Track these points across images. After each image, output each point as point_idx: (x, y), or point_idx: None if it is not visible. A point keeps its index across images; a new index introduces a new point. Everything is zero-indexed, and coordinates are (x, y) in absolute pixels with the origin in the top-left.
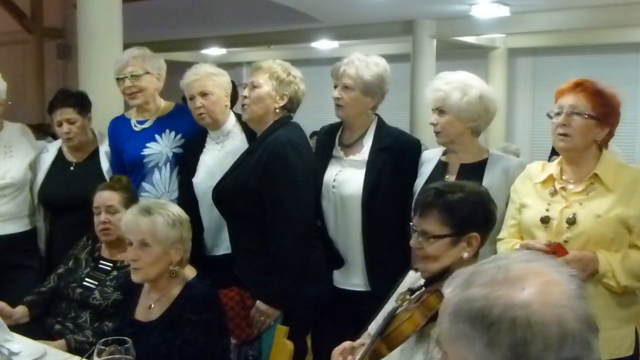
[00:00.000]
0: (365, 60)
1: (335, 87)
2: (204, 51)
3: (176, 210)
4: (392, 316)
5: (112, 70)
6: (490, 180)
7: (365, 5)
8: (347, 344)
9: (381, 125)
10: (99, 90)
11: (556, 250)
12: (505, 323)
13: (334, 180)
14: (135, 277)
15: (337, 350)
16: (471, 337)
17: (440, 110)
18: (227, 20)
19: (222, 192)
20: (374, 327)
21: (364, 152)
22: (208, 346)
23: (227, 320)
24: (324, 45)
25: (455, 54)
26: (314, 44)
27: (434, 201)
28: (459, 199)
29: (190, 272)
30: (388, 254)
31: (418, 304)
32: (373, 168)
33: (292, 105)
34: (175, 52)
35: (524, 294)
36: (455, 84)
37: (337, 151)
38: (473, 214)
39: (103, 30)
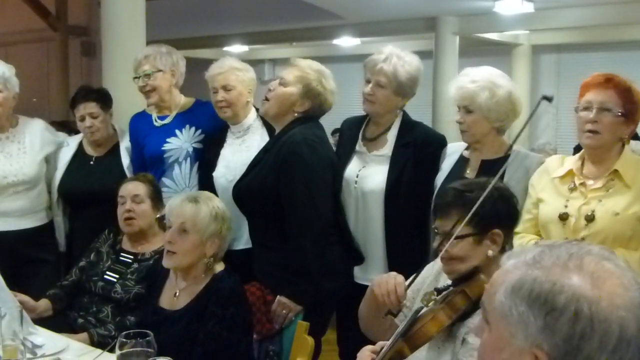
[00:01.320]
0: (403, 59)
1: (368, 81)
2: (227, 48)
3: (222, 206)
4: (416, 316)
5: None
6: (509, 177)
7: (388, 2)
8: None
9: (406, 120)
10: (122, 87)
11: None
12: (568, 313)
13: (357, 176)
14: (167, 262)
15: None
16: (526, 317)
17: (467, 109)
18: (249, 18)
19: (241, 192)
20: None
21: (387, 147)
22: (231, 342)
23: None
24: (345, 42)
25: (478, 50)
26: (335, 41)
27: (454, 201)
28: (478, 197)
29: (218, 267)
30: (409, 250)
31: (443, 304)
32: (396, 164)
33: (314, 113)
34: (198, 50)
35: (594, 289)
36: (483, 83)
37: (360, 146)
38: (494, 211)
39: (127, 27)
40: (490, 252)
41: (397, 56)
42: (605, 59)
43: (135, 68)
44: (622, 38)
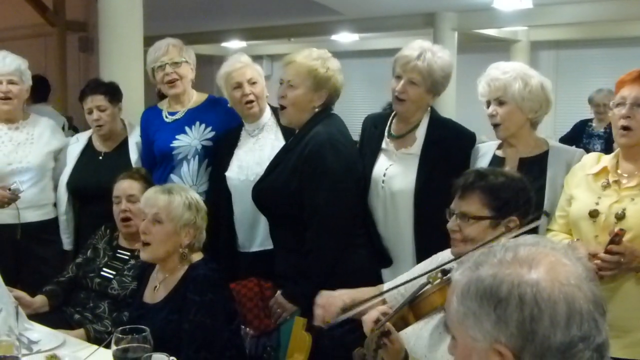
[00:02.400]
0: (436, 54)
1: (398, 77)
2: (225, 44)
3: (196, 196)
4: (422, 288)
5: (132, 62)
6: (554, 174)
7: None
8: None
9: (435, 117)
10: (120, 83)
11: (619, 234)
12: (513, 300)
13: (384, 175)
14: (143, 254)
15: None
16: (479, 315)
17: (499, 101)
18: (247, 13)
19: (262, 193)
20: (389, 286)
21: (416, 145)
22: (216, 329)
23: (246, 311)
24: (344, 38)
25: (476, 47)
26: (334, 37)
27: (476, 182)
28: (502, 182)
29: (196, 256)
30: (440, 251)
31: (450, 283)
32: (426, 162)
33: (331, 99)
34: (196, 45)
35: (532, 272)
36: (514, 73)
37: (387, 144)
38: (515, 198)
39: (124, 23)
40: (503, 239)
41: (431, 51)
42: (604, 56)
43: (158, 57)
44: (621, 34)
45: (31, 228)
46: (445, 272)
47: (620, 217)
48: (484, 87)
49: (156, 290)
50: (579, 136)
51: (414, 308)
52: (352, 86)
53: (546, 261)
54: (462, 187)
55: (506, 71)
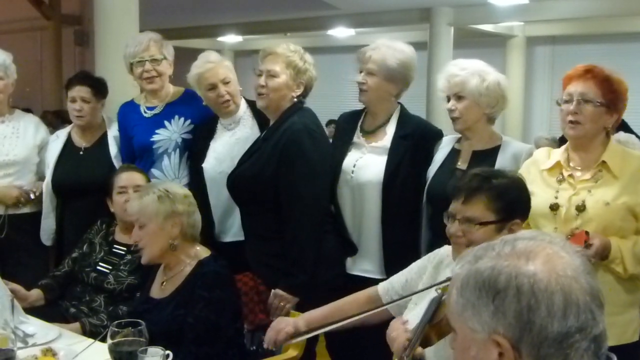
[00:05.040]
0: (392, 47)
1: (361, 72)
2: (221, 38)
3: (168, 186)
4: (438, 304)
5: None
6: (501, 166)
7: None
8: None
9: (404, 113)
10: (116, 77)
11: (586, 239)
12: (511, 291)
13: (354, 166)
14: (143, 259)
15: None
16: (478, 307)
17: (458, 96)
18: (244, 8)
19: (237, 180)
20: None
21: (386, 139)
22: (220, 326)
23: (242, 304)
24: (340, 32)
25: (472, 42)
26: (330, 32)
27: (481, 186)
28: (505, 185)
29: (204, 253)
30: (404, 242)
31: None
32: (394, 155)
33: (306, 92)
34: (192, 39)
35: (529, 264)
36: (472, 70)
37: (358, 137)
38: (519, 199)
39: (120, 17)
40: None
41: (387, 45)
42: (600, 51)
43: (138, 52)
44: (616, 30)
45: (14, 220)
46: None
47: (581, 209)
48: (443, 83)
49: (163, 286)
50: None
51: (435, 327)
52: (347, 81)
53: (543, 253)
54: (465, 191)
55: (464, 67)
